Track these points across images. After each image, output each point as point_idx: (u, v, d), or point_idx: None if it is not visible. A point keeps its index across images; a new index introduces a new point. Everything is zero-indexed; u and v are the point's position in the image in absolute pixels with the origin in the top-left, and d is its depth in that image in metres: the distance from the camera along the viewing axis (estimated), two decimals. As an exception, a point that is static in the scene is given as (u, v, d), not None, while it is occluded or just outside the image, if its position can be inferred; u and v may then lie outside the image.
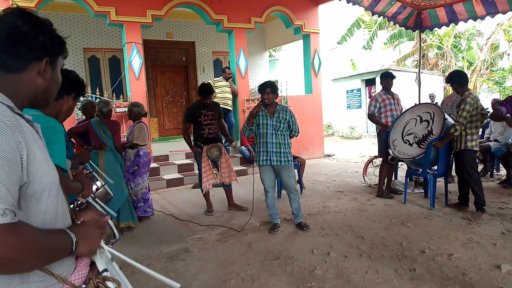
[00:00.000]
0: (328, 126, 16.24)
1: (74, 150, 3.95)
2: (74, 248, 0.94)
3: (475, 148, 4.21)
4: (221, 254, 3.48)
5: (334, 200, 5.16)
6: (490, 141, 6.18)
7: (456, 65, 17.05)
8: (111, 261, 1.11)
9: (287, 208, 4.40)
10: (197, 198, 5.56)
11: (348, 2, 5.61)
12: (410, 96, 9.84)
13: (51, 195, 0.94)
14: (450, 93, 7.43)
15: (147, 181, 4.75)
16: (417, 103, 5.85)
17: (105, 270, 1.02)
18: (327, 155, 9.54)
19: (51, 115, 1.65)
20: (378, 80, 13.65)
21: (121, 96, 7.40)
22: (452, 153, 4.54)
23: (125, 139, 5.02)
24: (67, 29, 8.88)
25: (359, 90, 15.16)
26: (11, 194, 0.78)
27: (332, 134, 16.18)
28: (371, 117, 5.24)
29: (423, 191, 5.26)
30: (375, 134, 5.66)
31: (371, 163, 6.40)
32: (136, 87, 7.13)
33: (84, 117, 4.77)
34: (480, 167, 6.19)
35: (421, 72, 7.29)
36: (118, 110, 6.88)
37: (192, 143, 4.80)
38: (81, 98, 6.13)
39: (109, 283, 0.99)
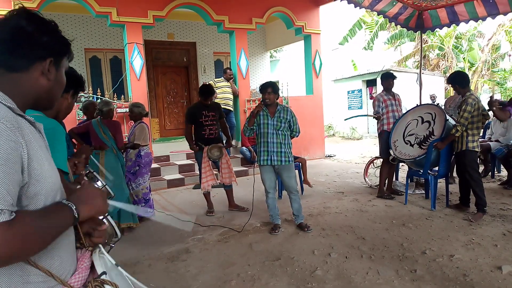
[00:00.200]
0: (329, 126, 16.24)
1: (75, 150, 3.96)
2: (77, 215, 0.94)
3: (476, 149, 4.21)
4: (221, 254, 3.48)
5: (335, 201, 5.16)
6: (492, 141, 6.17)
7: (457, 66, 17.04)
8: (116, 265, 1.11)
9: (288, 209, 4.40)
10: (197, 199, 5.56)
11: (349, 3, 5.60)
12: (411, 97, 9.82)
13: (54, 195, 0.95)
14: (452, 94, 7.42)
15: (148, 181, 4.76)
16: (418, 104, 5.85)
17: (104, 273, 1.02)
18: (328, 156, 9.53)
19: (51, 114, 1.65)
20: (378, 80, 13.70)
21: (122, 96, 7.41)
22: (453, 154, 4.53)
23: (126, 140, 5.03)
24: (68, 29, 8.90)
25: (360, 90, 15.16)
26: (10, 195, 0.79)
27: (333, 134, 16.17)
28: (378, 117, 5.20)
29: (424, 192, 5.25)
30: (376, 135, 5.65)
31: (372, 164, 6.40)
32: (137, 87, 7.14)
33: (85, 118, 4.78)
34: (481, 168, 6.18)
35: (422, 73, 7.29)
36: (119, 110, 6.90)
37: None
38: (82, 99, 6.18)
39: (107, 287, 0.99)
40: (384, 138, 5.15)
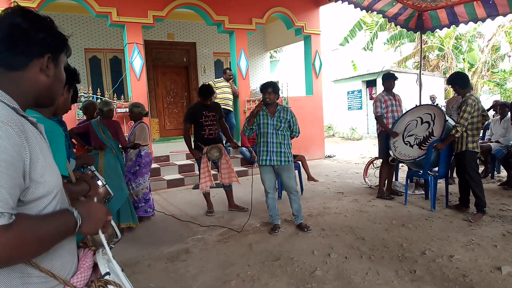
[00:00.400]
0: (329, 127, 16.24)
1: (75, 150, 3.96)
2: (78, 226, 0.94)
3: (476, 150, 4.21)
4: (221, 254, 3.48)
5: (334, 201, 5.16)
6: (492, 142, 6.18)
7: (457, 66, 17.05)
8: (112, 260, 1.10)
9: (288, 209, 4.40)
10: (197, 199, 5.56)
11: (349, 4, 5.61)
12: (411, 97, 9.83)
13: (56, 197, 0.95)
14: (453, 95, 7.42)
15: (148, 181, 4.76)
16: (418, 104, 5.85)
17: (108, 273, 1.01)
18: (328, 156, 9.54)
19: (50, 111, 1.63)
20: (379, 81, 13.73)
21: (122, 96, 7.41)
22: (453, 155, 4.54)
23: (127, 140, 5.03)
24: (68, 29, 8.89)
25: (360, 91, 15.17)
26: (11, 198, 0.79)
27: (333, 135, 16.18)
28: (379, 118, 5.13)
29: (423, 192, 5.26)
30: (376, 135, 5.65)
31: (371, 164, 6.40)
32: (137, 87, 7.15)
33: (85, 118, 4.78)
34: (481, 168, 6.19)
35: (422, 74, 7.29)
36: (119, 110, 6.90)
37: (193, 144, 4.80)
38: (82, 99, 6.17)
39: (111, 287, 0.98)
40: (384, 138, 5.15)
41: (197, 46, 10.57)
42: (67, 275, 0.97)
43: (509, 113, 5.83)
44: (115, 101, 7.02)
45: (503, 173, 6.21)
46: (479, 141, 4.34)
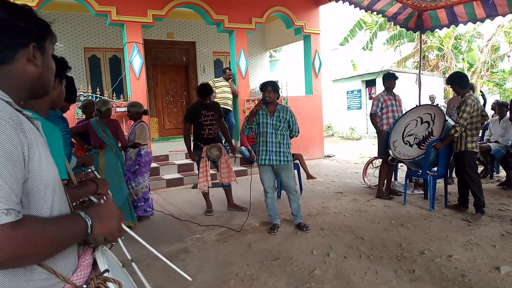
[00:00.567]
0: (328, 127, 16.25)
1: (74, 149, 3.96)
2: (89, 231, 0.93)
3: (475, 150, 4.21)
4: (220, 254, 3.48)
5: (333, 201, 5.16)
6: (491, 142, 6.19)
7: (456, 66, 17.07)
8: (122, 266, 1.10)
9: (287, 209, 4.40)
10: (196, 198, 5.56)
11: (350, 4, 5.60)
12: (410, 97, 9.84)
13: (56, 192, 0.94)
14: (453, 95, 7.43)
15: (147, 180, 4.76)
16: (418, 104, 5.85)
17: (107, 270, 1.01)
18: (327, 156, 9.54)
19: (46, 106, 1.59)
20: (378, 81, 13.74)
21: (121, 95, 7.41)
22: (452, 155, 4.54)
23: (127, 139, 5.03)
24: (68, 28, 8.89)
25: (359, 91, 15.17)
26: (14, 193, 0.78)
27: (332, 135, 16.18)
28: (373, 116, 5.23)
29: (422, 192, 5.26)
30: (375, 135, 5.66)
31: (371, 164, 6.40)
32: (137, 87, 7.14)
33: (84, 117, 4.78)
34: (480, 168, 6.19)
35: (422, 74, 7.29)
36: (118, 110, 6.90)
37: (192, 144, 4.80)
38: (82, 98, 6.17)
39: (110, 284, 0.98)
40: (383, 138, 5.15)
41: (196, 46, 10.56)
42: (68, 272, 0.97)
43: (507, 113, 5.84)
44: (114, 100, 7.02)
45: (502, 173, 6.22)
46: (478, 141, 4.34)
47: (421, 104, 6.04)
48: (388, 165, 5.27)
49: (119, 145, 4.35)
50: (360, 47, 16.74)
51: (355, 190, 5.81)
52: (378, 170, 5.51)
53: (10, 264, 0.79)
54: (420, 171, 4.72)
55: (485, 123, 5.40)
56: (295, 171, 4.88)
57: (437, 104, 8.35)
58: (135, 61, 7.08)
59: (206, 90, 4.66)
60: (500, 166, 6.22)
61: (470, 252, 3.25)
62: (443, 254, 3.23)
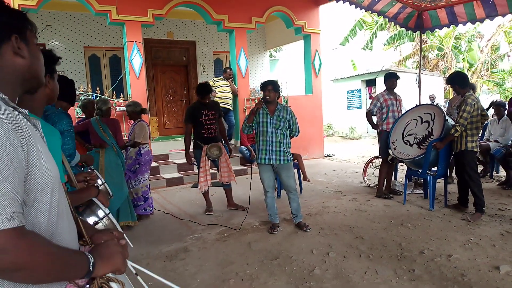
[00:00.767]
0: (328, 126, 16.25)
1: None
2: (91, 268, 0.90)
3: (475, 149, 4.21)
4: (220, 253, 3.48)
5: (333, 200, 5.16)
6: (490, 141, 6.19)
7: (456, 66, 17.06)
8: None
9: (287, 208, 4.40)
10: (196, 198, 5.56)
11: (350, 4, 5.60)
12: (411, 97, 9.83)
13: (54, 190, 0.93)
14: (454, 95, 7.43)
15: (148, 180, 4.76)
16: (418, 104, 5.85)
17: None
18: (327, 155, 9.54)
19: (41, 103, 1.56)
20: (378, 80, 13.74)
21: (121, 95, 7.41)
22: (452, 154, 4.54)
23: (126, 138, 5.03)
24: (68, 27, 8.89)
25: (359, 90, 15.17)
26: (18, 195, 0.77)
27: (332, 134, 16.18)
28: (368, 115, 5.29)
29: (422, 192, 5.26)
30: (375, 134, 5.67)
31: (370, 163, 6.41)
32: (137, 86, 7.14)
33: (84, 116, 4.77)
34: (480, 168, 6.19)
35: (422, 73, 7.29)
36: (118, 109, 6.90)
37: (192, 143, 4.80)
38: (82, 97, 6.16)
39: (113, 284, 0.98)
40: (383, 138, 5.16)
41: (196, 45, 10.56)
42: None
43: (506, 113, 5.84)
44: (114, 99, 7.02)
45: (502, 172, 6.22)
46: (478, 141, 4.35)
47: (421, 103, 6.04)
48: (388, 164, 5.28)
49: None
50: (360, 47, 16.74)
51: (355, 189, 5.82)
52: (378, 170, 5.51)
53: (9, 273, 0.76)
54: (420, 171, 4.72)
55: (485, 122, 5.40)
56: (295, 170, 4.89)
57: (437, 104, 8.34)
58: (135, 61, 7.08)
59: (205, 89, 4.65)
60: (500, 166, 6.23)
61: (469, 252, 3.25)
62: (442, 253, 3.23)
